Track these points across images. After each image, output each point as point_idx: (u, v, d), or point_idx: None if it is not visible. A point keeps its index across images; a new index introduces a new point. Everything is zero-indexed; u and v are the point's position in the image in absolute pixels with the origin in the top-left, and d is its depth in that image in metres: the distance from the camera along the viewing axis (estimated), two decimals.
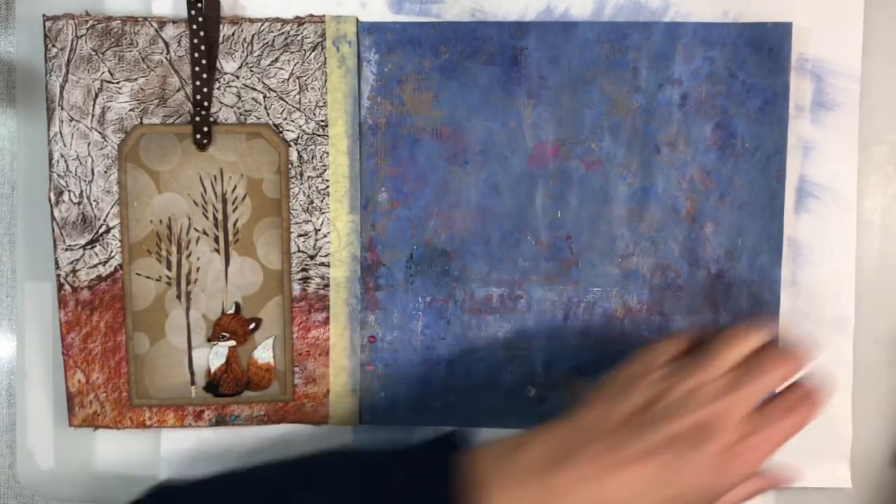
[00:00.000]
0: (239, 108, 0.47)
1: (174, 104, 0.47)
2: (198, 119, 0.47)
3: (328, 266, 0.48)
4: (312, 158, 0.47)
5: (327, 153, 0.47)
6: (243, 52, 0.47)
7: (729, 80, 0.47)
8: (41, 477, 0.50)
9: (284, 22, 0.47)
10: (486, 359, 0.48)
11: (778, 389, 0.39)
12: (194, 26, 0.46)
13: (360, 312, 0.48)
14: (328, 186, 0.47)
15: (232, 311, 0.48)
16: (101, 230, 0.47)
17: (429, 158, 0.48)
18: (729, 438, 0.35)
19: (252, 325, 0.48)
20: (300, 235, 0.48)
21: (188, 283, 0.48)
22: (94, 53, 0.47)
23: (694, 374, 0.37)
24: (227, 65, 0.47)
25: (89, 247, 0.47)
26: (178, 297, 0.48)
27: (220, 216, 0.48)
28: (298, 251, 0.48)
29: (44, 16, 0.46)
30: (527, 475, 0.35)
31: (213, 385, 0.48)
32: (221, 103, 0.47)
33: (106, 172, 0.47)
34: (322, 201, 0.47)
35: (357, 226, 0.48)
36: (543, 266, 0.48)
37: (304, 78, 0.47)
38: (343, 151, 0.47)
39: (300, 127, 0.47)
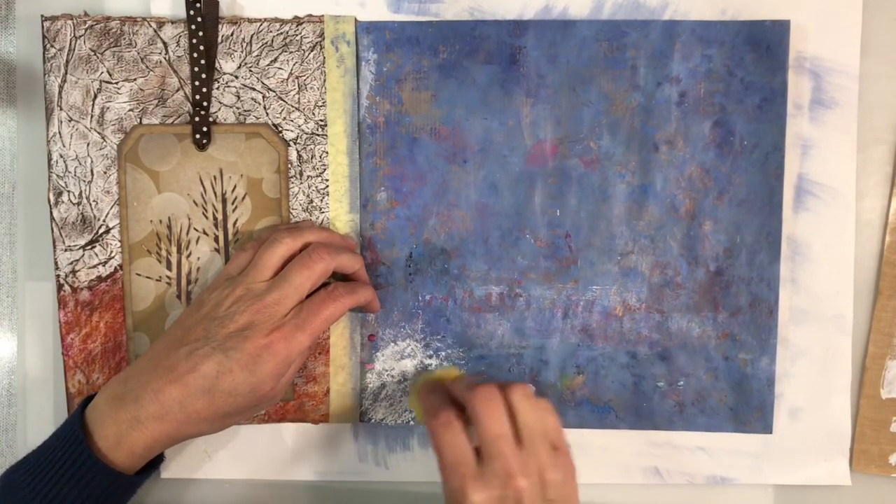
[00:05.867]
0: (238, 108, 0.47)
1: (173, 104, 0.47)
2: (197, 119, 0.47)
3: None
4: (312, 158, 0.47)
5: (326, 153, 0.47)
6: (242, 52, 0.47)
7: (727, 78, 0.47)
8: None
9: (283, 22, 0.47)
10: (486, 357, 0.48)
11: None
12: (193, 26, 0.46)
13: (359, 311, 0.48)
14: (328, 186, 0.47)
15: None
16: (101, 230, 0.47)
17: (428, 157, 0.48)
18: (269, 331, 0.41)
19: None
20: None
21: (188, 283, 0.48)
22: (92, 54, 0.47)
23: (243, 281, 0.42)
24: (226, 65, 0.47)
25: (89, 247, 0.47)
26: (178, 296, 0.48)
27: (219, 216, 0.48)
28: None
29: (42, 16, 0.46)
30: (105, 411, 0.40)
31: None
32: (220, 103, 0.47)
33: (105, 173, 0.47)
34: (322, 201, 0.47)
35: (357, 225, 0.48)
36: (542, 264, 0.48)
37: (303, 78, 0.47)
38: (342, 151, 0.47)
39: (299, 127, 0.47)
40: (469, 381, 0.41)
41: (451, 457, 0.39)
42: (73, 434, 0.40)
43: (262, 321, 0.41)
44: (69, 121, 0.47)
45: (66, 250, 0.47)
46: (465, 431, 0.39)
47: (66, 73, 0.47)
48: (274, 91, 0.47)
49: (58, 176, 0.47)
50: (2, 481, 0.40)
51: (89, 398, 0.42)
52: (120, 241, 0.47)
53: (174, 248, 0.48)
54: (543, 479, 0.38)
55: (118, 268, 0.48)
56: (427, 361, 0.48)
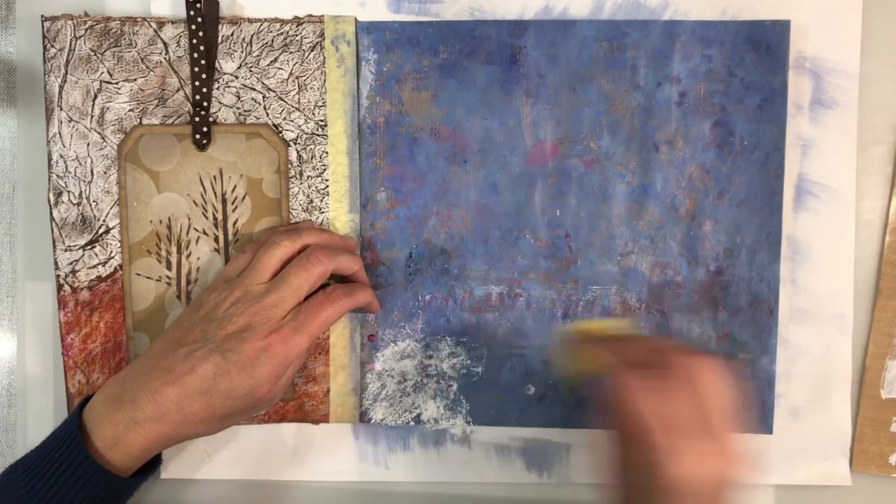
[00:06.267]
0: (238, 108, 0.47)
1: (173, 104, 0.47)
2: (197, 119, 0.47)
3: None
4: (312, 158, 0.47)
5: (326, 153, 0.47)
6: (242, 52, 0.47)
7: (727, 78, 0.47)
8: None
9: (283, 22, 0.47)
10: (486, 357, 0.48)
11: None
12: (193, 26, 0.46)
13: (359, 311, 0.48)
14: (328, 186, 0.47)
15: None
16: (101, 231, 0.47)
17: (428, 158, 0.48)
18: (267, 333, 0.41)
19: None
20: None
21: (188, 283, 0.48)
22: (92, 54, 0.47)
23: (241, 283, 0.42)
24: (227, 65, 0.47)
25: (89, 247, 0.47)
26: (178, 296, 0.48)
27: (219, 216, 0.48)
28: None
29: (42, 16, 0.46)
30: (103, 412, 0.40)
31: None
32: (221, 103, 0.47)
33: (105, 173, 0.47)
34: (322, 201, 0.47)
35: (357, 225, 0.48)
36: (542, 264, 0.48)
37: (303, 78, 0.47)
38: (342, 151, 0.47)
39: (299, 127, 0.47)
40: (671, 345, 0.39)
41: (660, 420, 0.36)
42: (71, 435, 0.40)
43: (261, 323, 0.41)
44: (69, 121, 0.47)
45: (66, 250, 0.47)
46: (669, 394, 0.37)
47: (66, 73, 0.47)
48: (274, 91, 0.47)
49: (58, 176, 0.47)
50: (0, 480, 0.40)
51: (87, 398, 0.42)
52: (120, 241, 0.47)
53: (174, 248, 0.48)
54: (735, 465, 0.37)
55: (118, 268, 0.48)
56: (427, 362, 0.48)
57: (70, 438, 0.40)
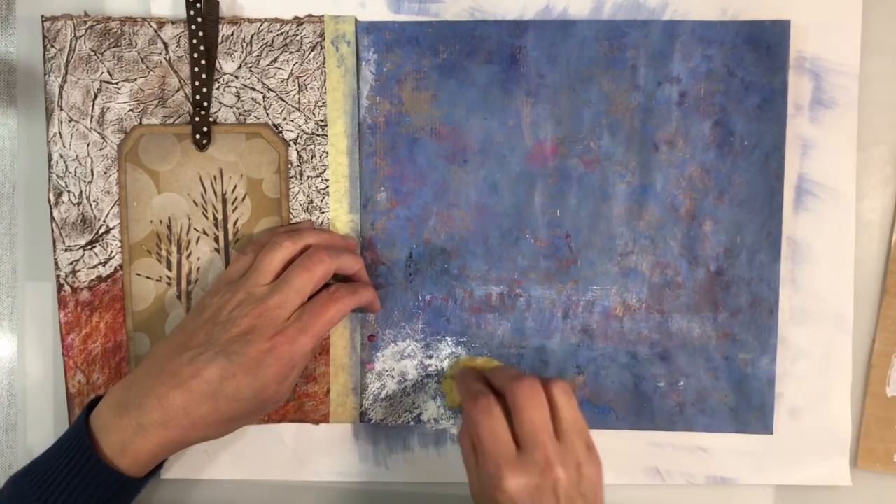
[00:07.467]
0: (238, 108, 0.47)
1: (173, 104, 0.47)
2: (197, 119, 0.47)
3: None
4: (312, 158, 0.47)
5: (327, 153, 0.47)
6: (242, 52, 0.47)
7: (727, 79, 0.47)
8: None
9: (283, 22, 0.47)
10: (486, 357, 0.48)
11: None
12: (193, 27, 0.46)
13: (360, 311, 0.48)
14: (328, 186, 0.47)
15: None
16: (101, 231, 0.47)
17: (428, 158, 0.48)
18: (271, 335, 0.41)
19: None
20: None
21: (188, 283, 0.48)
22: (92, 54, 0.47)
23: (244, 285, 0.42)
24: (227, 65, 0.47)
25: (89, 247, 0.47)
26: (179, 297, 0.48)
27: (220, 216, 0.48)
28: None
29: (42, 16, 0.46)
30: (109, 419, 0.40)
31: None
32: (221, 103, 0.47)
33: (105, 173, 0.47)
34: (322, 201, 0.47)
35: (357, 225, 0.48)
36: (542, 264, 0.48)
37: (304, 78, 0.47)
38: (342, 151, 0.47)
39: (299, 127, 0.47)
40: (511, 372, 0.42)
41: (490, 442, 0.39)
42: (80, 442, 0.40)
43: (265, 325, 0.41)
44: (69, 121, 0.47)
45: (66, 250, 0.47)
46: (506, 419, 0.40)
47: (66, 73, 0.47)
48: (274, 91, 0.47)
49: (58, 176, 0.47)
50: (9, 489, 0.40)
51: (91, 405, 0.42)
52: (120, 241, 0.47)
53: (174, 249, 0.48)
54: (580, 472, 0.39)
55: (118, 268, 0.48)
56: (427, 362, 0.48)
57: (79, 445, 0.40)
